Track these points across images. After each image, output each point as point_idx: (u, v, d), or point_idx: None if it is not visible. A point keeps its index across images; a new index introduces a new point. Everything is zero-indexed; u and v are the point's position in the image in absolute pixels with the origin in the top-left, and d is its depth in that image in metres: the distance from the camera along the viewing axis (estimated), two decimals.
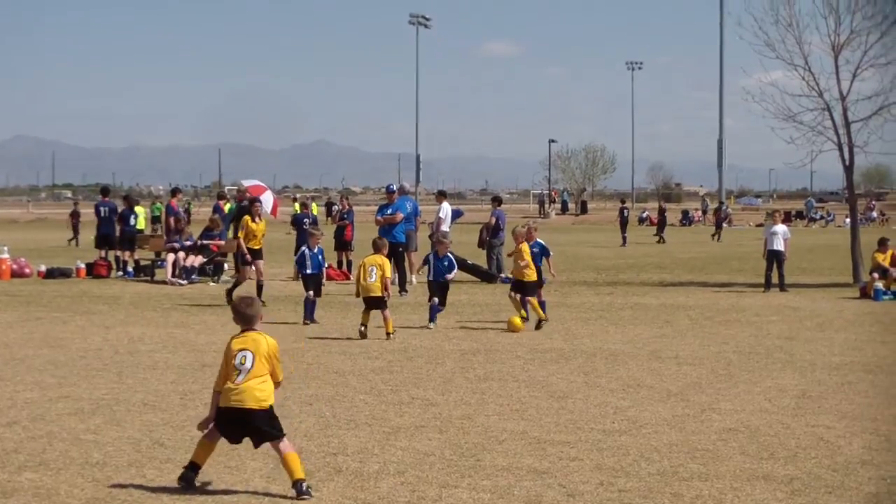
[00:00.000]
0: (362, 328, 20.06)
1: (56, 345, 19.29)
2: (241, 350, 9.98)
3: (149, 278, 33.42)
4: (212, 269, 32.78)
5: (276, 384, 10.20)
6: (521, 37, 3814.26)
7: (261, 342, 10.03)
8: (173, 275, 32.06)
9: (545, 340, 20.06)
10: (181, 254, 32.54)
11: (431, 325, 21.84)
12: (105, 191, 39.39)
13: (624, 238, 59.82)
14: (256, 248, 25.89)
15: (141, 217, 39.15)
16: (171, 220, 34.54)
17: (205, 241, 33.16)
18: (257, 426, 9.90)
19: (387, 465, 10.88)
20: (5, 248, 35.23)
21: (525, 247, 22.24)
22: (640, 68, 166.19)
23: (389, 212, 29.46)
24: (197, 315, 23.95)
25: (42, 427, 12.50)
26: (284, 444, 9.92)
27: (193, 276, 32.22)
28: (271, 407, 10.00)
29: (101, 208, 36.25)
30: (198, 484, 10.01)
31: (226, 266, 33.21)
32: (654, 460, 11.10)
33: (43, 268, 34.74)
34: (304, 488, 9.73)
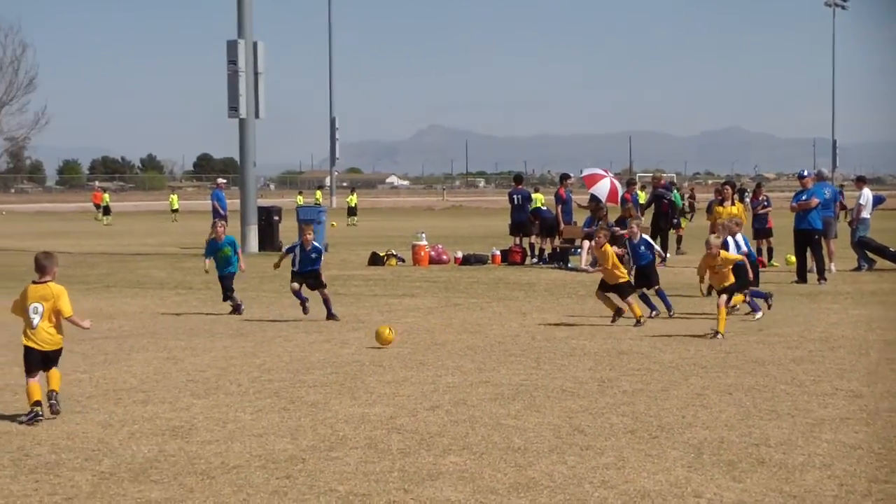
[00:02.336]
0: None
1: (474, 330, 19.68)
2: (34, 302, 12.39)
3: (563, 265, 33.71)
4: None
5: (67, 318, 12.56)
6: None
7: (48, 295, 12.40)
8: (586, 262, 32.18)
9: None
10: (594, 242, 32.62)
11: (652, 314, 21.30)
12: (518, 179, 40.03)
13: None
14: None
15: (538, 203, 39.73)
16: (592, 205, 34.72)
17: (619, 230, 33.12)
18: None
19: (812, 457, 10.51)
20: (423, 235, 36.37)
21: (609, 248, 20.78)
22: None
23: (804, 198, 28.63)
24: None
25: (464, 411, 12.73)
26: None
27: None
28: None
29: (515, 196, 36.84)
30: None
31: None
32: None
33: (459, 254, 35.66)
34: (55, 397, 12.40)
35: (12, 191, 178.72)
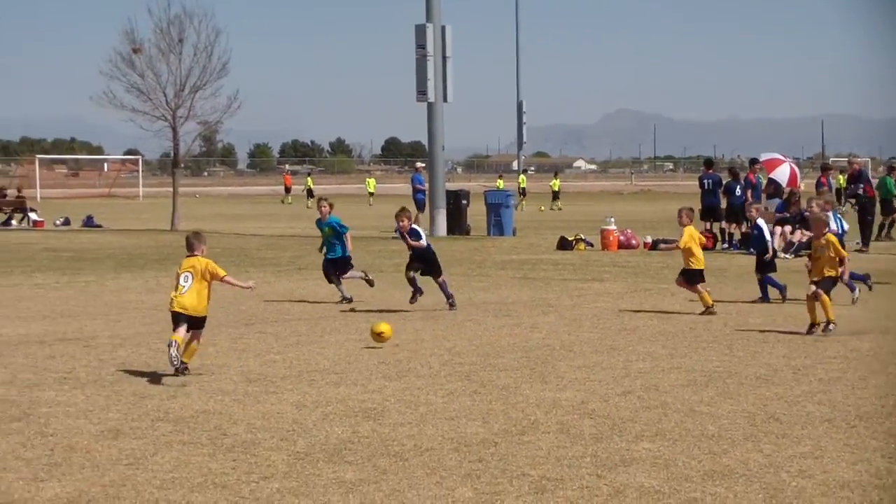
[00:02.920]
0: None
1: (665, 316, 19.49)
2: (185, 271, 14.02)
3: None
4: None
5: (221, 279, 14.15)
6: None
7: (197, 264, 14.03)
8: (778, 247, 31.62)
9: None
10: (788, 228, 32.02)
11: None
12: (709, 163, 39.54)
13: None
14: None
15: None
16: (770, 189, 34.06)
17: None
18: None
19: None
20: (612, 220, 36.15)
21: (689, 230, 20.29)
22: None
23: None
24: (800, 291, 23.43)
25: (656, 397, 12.60)
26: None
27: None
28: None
29: (705, 181, 36.38)
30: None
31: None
32: None
33: (649, 239, 35.34)
34: (183, 366, 13.78)
35: (205, 174, 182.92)
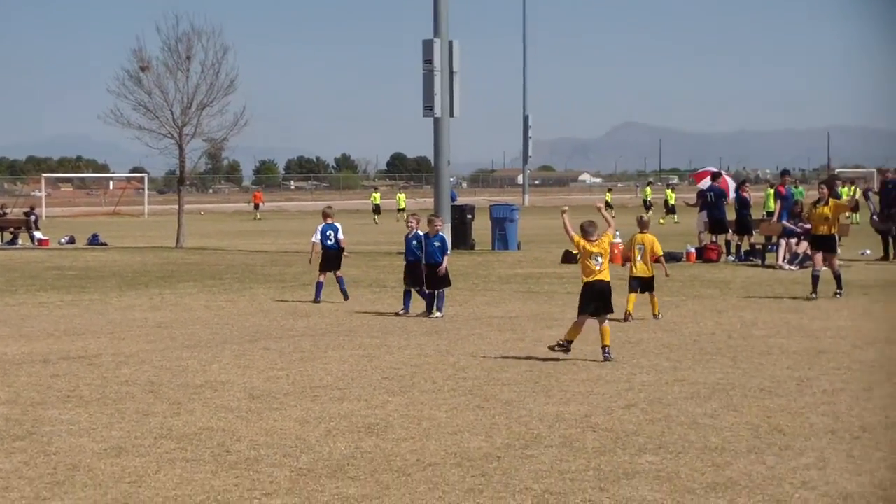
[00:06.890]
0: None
1: (669, 328, 19.49)
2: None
3: (759, 263, 33.14)
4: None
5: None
6: None
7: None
8: (783, 259, 31.62)
9: None
10: (793, 240, 31.97)
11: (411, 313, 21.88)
12: (715, 176, 39.42)
13: None
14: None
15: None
16: (799, 205, 33.73)
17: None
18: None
19: None
20: (617, 233, 36.06)
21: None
22: None
23: None
24: (804, 303, 23.41)
25: (660, 410, 12.58)
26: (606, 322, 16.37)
27: (806, 263, 31.60)
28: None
29: (708, 193, 36.35)
30: None
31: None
32: None
33: None
34: (608, 353, 16.02)
35: (210, 191, 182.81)
